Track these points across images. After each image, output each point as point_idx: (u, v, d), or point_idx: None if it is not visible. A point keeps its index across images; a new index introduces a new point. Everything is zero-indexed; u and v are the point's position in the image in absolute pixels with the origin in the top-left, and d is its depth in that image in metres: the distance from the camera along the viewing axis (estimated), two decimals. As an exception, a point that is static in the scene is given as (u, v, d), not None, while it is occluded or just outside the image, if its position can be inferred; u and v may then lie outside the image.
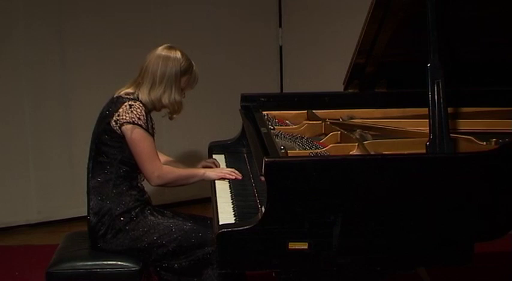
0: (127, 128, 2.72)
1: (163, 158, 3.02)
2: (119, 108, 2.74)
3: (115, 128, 2.74)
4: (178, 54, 2.81)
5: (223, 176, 2.87)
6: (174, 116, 2.90)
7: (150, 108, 2.82)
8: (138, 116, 2.72)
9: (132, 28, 4.55)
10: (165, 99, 2.80)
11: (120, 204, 2.75)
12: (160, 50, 2.82)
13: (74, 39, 4.44)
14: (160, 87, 2.78)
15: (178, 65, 2.79)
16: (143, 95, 2.79)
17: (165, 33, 4.44)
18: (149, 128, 2.77)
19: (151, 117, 2.83)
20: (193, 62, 2.86)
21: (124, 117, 2.72)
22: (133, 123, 2.71)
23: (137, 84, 2.83)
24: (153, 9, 4.66)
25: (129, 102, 2.75)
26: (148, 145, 2.75)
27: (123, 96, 2.80)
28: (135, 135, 2.72)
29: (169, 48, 2.83)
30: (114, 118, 2.74)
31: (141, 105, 2.75)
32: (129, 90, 2.82)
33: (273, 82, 5.14)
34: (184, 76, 2.82)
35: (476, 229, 2.30)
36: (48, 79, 4.42)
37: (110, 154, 2.77)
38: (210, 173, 2.90)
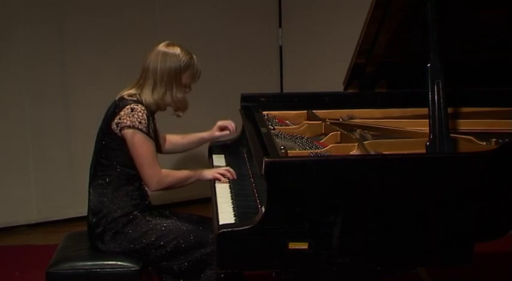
0: (128, 132, 2.70)
1: (170, 136, 3.10)
2: (121, 111, 2.72)
3: (116, 130, 2.72)
4: (177, 51, 2.77)
5: (218, 178, 2.86)
6: (180, 113, 2.87)
7: (154, 109, 2.79)
8: (139, 120, 2.69)
9: (132, 28, 4.55)
10: (168, 98, 2.77)
11: (120, 207, 2.74)
12: (160, 48, 2.79)
13: (74, 39, 4.44)
14: (161, 86, 2.75)
15: (178, 61, 2.76)
16: (146, 96, 2.76)
17: (166, 34, 4.41)
18: (150, 132, 2.74)
19: (153, 119, 2.81)
20: (194, 56, 2.82)
21: (125, 121, 2.70)
22: (134, 127, 2.69)
23: (139, 85, 2.80)
24: (154, 9, 4.66)
25: (131, 106, 2.72)
26: (149, 149, 2.73)
27: (126, 98, 2.77)
28: (136, 140, 2.70)
29: (168, 45, 2.80)
30: (116, 121, 2.72)
31: (143, 108, 2.72)
32: (132, 91, 2.80)
33: (273, 82, 5.14)
34: (186, 72, 2.79)
35: (476, 229, 2.30)
36: (48, 79, 4.42)
37: (111, 156, 2.76)
38: (206, 173, 2.89)
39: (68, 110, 4.50)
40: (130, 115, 2.70)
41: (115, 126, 2.72)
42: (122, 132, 2.71)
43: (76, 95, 4.49)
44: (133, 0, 4.60)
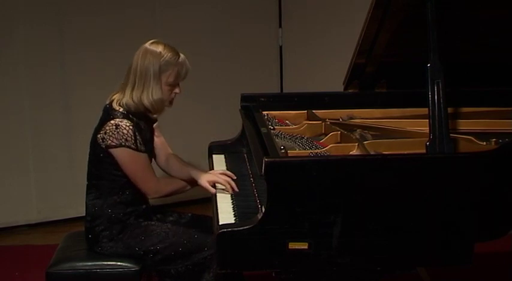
0: (115, 151, 2.63)
1: (172, 158, 2.95)
2: (106, 124, 2.64)
3: (101, 145, 2.66)
4: (159, 49, 2.66)
5: (216, 181, 2.77)
6: (155, 116, 2.79)
7: (133, 111, 2.67)
8: (125, 137, 2.61)
9: (132, 28, 4.55)
10: (144, 99, 2.65)
11: (114, 215, 2.72)
12: (143, 46, 2.70)
13: (74, 39, 4.44)
14: (140, 85, 2.65)
15: (158, 60, 2.64)
16: (127, 98, 2.67)
17: (166, 34, 4.42)
18: (139, 146, 2.66)
19: (143, 127, 2.73)
20: (180, 54, 2.71)
21: (110, 138, 2.62)
22: (121, 145, 2.62)
23: (123, 87, 2.71)
24: (154, 9, 4.66)
25: (116, 122, 2.62)
26: (141, 164, 2.68)
27: (114, 107, 2.68)
28: (125, 158, 2.65)
29: (152, 42, 2.70)
30: (101, 135, 2.65)
31: (127, 124, 2.62)
32: (118, 95, 2.71)
33: (273, 82, 5.14)
34: (167, 71, 2.66)
35: (476, 229, 2.30)
36: (48, 79, 4.42)
37: (100, 166, 2.71)
38: (204, 179, 2.78)
39: (68, 110, 4.50)
40: (115, 133, 2.61)
41: (100, 140, 2.65)
42: (109, 150, 2.64)
43: (76, 95, 4.49)
44: (133, 0, 4.61)
